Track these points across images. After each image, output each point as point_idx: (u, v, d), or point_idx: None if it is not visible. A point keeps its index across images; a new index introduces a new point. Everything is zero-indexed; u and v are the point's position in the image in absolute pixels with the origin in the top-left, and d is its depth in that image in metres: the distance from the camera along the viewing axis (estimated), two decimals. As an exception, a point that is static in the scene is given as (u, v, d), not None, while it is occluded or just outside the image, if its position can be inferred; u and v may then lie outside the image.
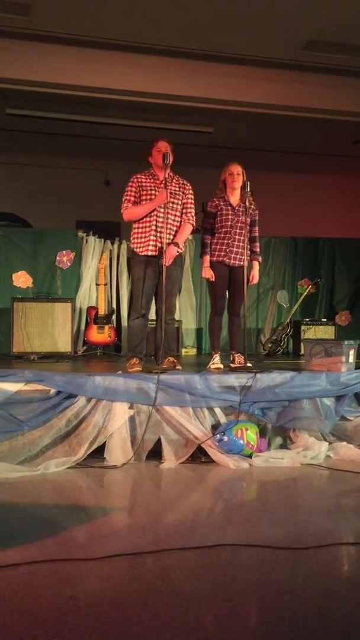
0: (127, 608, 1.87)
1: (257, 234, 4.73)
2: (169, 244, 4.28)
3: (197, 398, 3.93)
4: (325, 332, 6.50)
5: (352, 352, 4.49)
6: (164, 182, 4.27)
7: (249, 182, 4.59)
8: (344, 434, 4.17)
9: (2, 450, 3.60)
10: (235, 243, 4.60)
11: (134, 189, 4.39)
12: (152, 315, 4.79)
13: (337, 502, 3.06)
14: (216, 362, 4.60)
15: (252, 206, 4.65)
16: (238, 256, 4.61)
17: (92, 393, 3.79)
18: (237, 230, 4.60)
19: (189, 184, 4.52)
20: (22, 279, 6.23)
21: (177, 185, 4.44)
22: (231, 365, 4.65)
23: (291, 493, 3.28)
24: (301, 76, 6.92)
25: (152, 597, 1.95)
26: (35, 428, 3.67)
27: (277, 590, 2.03)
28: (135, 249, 4.42)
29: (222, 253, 4.62)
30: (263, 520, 2.73)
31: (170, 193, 4.30)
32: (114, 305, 6.38)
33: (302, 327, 6.45)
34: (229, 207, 4.62)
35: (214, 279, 4.63)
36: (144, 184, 4.39)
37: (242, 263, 4.58)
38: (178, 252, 4.40)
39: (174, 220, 4.39)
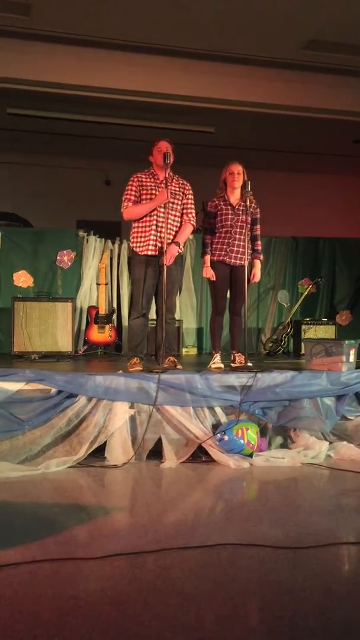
0: (127, 607, 1.87)
1: (258, 233, 4.73)
2: (169, 243, 4.28)
3: (197, 397, 3.93)
4: (325, 331, 6.51)
5: (352, 352, 4.49)
6: (164, 181, 4.27)
7: (249, 182, 4.59)
8: (345, 433, 4.18)
9: (3, 450, 3.60)
10: (236, 242, 4.60)
11: (134, 188, 4.38)
12: (153, 314, 4.80)
13: (338, 501, 3.06)
14: (217, 361, 4.61)
15: (253, 205, 4.65)
16: (239, 255, 4.61)
17: (92, 392, 3.79)
18: (238, 230, 4.60)
19: (188, 184, 4.51)
20: (22, 279, 6.24)
21: (177, 185, 4.43)
22: (232, 364, 4.65)
23: (292, 493, 3.27)
24: (302, 76, 6.92)
25: (153, 597, 1.95)
26: (36, 427, 3.67)
27: (278, 590, 2.03)
28: (135, 249, 4.42)
29: (223, 252, 4.62)
30: (264, 520, 2.73)
31: (171, 193, 4.29)
32: (115, 305, 6.38)
33: (303, 327, 6.45)
34: (229, 207, 4.62)
35: (214, 279, 4.63)
36: (144, 184, 4.38)
37: (242, 262, 4.58)
38: (179, 252, 4.40)
39: (174, 220, 4.39)
